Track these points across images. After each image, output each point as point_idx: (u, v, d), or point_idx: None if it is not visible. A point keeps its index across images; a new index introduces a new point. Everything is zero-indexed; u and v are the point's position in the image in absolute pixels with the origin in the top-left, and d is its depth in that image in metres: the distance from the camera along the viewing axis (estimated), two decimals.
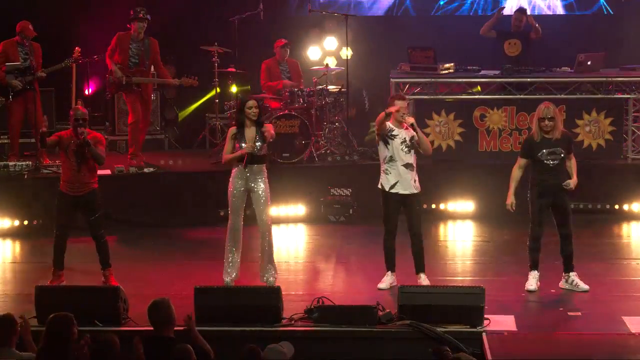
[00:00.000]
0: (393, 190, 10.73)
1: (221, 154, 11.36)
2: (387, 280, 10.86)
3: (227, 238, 10.87)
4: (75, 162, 10.76)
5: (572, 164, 10.67)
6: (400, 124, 10.72)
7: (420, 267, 10.87)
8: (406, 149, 10.71)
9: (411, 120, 10.70)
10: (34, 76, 14.00)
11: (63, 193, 10.86)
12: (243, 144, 10.69)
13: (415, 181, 10.76)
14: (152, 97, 14.72)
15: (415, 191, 10.76)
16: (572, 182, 10.55)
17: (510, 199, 10.65)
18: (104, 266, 11.06)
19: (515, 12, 15.69)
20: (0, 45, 14.14)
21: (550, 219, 10.72)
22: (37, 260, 12.37)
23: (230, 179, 10.82)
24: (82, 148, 10.74)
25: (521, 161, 10.69)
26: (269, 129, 10.77)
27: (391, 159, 10.73)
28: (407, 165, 10.72)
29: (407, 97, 11.09)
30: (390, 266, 10.91)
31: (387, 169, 10.75)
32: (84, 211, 10.93)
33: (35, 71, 13.99)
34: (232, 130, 10.85)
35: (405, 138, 10.72)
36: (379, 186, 10.82)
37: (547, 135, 10.51)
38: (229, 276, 10.81)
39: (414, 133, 10.72)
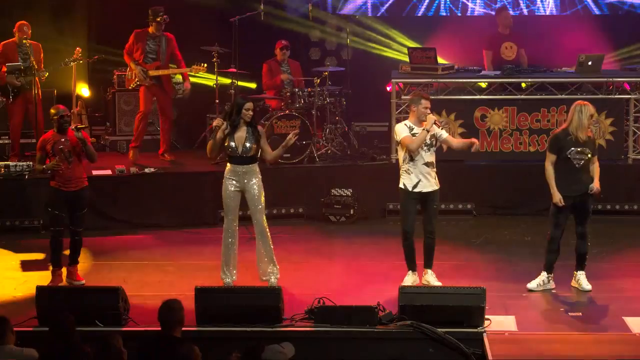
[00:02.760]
0: (416, 190, 10.71)
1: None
2: (409, 280, 10.86)
3: (223, 239, 10.89)
4: (67, 160, 10.87)
5: (596, 168, 10.61)
6: (420, 122, 10.73)
7: (428, 263, 10.92)
8: (426, 147, 10.69)
9: (433, 118, 10.72)
10: (34, 76, 14.01)
11: (57, 189, 10.93)
12: (232, 143, 10.71)
13: (435, 178, 10.77)
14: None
15: (436, 187, 10.79)
16: (596, 187, 10.54)
17: (557, 195, 10.50)
18: (72, 262, 11.11)
19: (500, 12, 15.61)
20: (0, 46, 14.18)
21: (571, 220, 10.70)
22: (37, 260, 12.36)
23: (224, 180, 10.85)
24: (79, 147, 10.89)
25: (552, 157, 10.58)
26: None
27: (412, 159, 10.70)
28: (428, 164, 10.70)
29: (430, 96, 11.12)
30: (412, 266, 10.92)
31: (408, 169, 10.71)
32: (73, 206, 10.97)
33: (36, 71, 13.98)
34: (223, 126, 10.77)
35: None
36: (401, 186, 10.74)
37: (576, 133, 10.44)
38: (228, 277, 10.82)
39: (436, 131, 10.72)
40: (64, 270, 11.13)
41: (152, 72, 14.25)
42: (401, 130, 10.73)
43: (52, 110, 11.07)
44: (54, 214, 10.98)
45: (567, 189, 10.54)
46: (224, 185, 10.82)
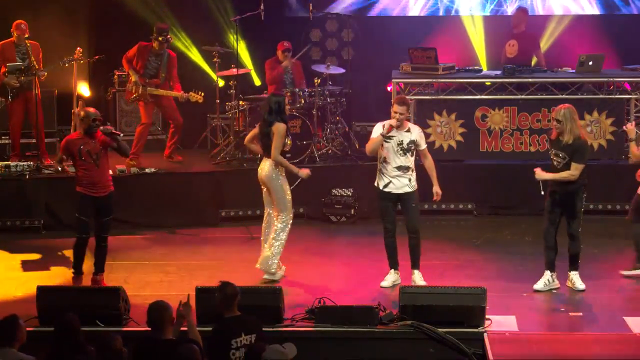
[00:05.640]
0: (386, 190, 10.80)
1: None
2: (390, 279, 10.91)
3: (286, 236, 11.18)
4: (95, 163, 10.73)
5: (562, 176, 10.59)
6: (399, 126, 10.73)
7: (414, 264, 10.96)
8: (401, 152, 10.74)
9: (391, 123, 10.72)
10: (34, 76, 13.99)
11: (85, 195, 10.73)
12: (288, 140, 11.28)
13: (410, 180, 10.80)
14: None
15: (410, 190, 10.81)
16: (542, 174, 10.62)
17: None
18: (99, 270, 11.00)
19: (515, 11, 15.70)
20: None
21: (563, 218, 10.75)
22: (37, 260, 12.36)
23: (283, 177, 11.11)
24: (110, 144, 10.79)
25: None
26: None
27: (385, 160, 10.76)
28: (400, 168, 10.75)
29: (409, 98, 11.13)
30: (393, 264, 10.96)
31: (381, 169, 10.83)
32: (100, 213, 10.83)
33: (36, 70, 13.97)
34: (285, 127, 11.09)
35: (402, 140, 10.73)
36: (375, 184, 10.90)
37: (559, 136, 10.55)
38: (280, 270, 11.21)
39: (416, 137, 10.75)
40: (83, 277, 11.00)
41: (151, 91, 14.27)
42: (375, 130, 10.88)
43: (82, 113, 10.86)
44: (81, 220, 10.81)
45: (552, 186, 10.68)
46: (286, 182, 11.12)
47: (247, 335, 8.33)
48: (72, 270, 10.98)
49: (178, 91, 14.42)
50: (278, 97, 11.35)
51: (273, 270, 11.09)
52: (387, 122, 10.74)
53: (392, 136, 10.70)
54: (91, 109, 10.97)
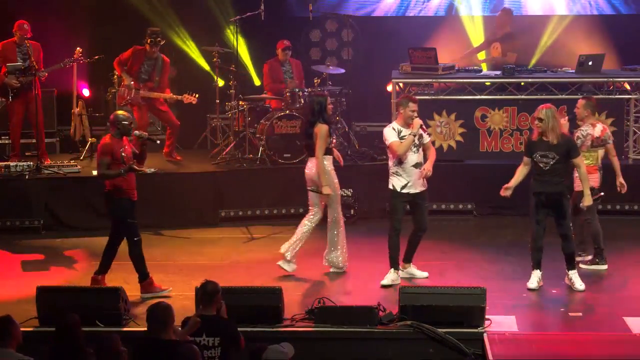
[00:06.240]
0: (404, 191, 10.84)
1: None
2: (390, 277, 10.93)
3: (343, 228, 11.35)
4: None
5: (582, 173, 10.70)
6: (407, 125, 10.78)
7: (411, 257, 11.11)
8: (414, 148, 10.82)
9: (420, 122, 10.79)
10: (34, 76, 13.99)
11: (129, 199, 10.69)
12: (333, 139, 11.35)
13: (423, 178, 10.88)
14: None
15: (423, 188, 10.95)
16: (584, 202, 10.73)
17: (509, 185, 10.81)
18: (104, 271, 10.87)
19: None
20: None
21: (551, 219, 10.77)
22: (37, 260, 12.36)
23: (331, 172, 11.30)
24: (145, 147, 10.78)
25: (525, 159, 10.78)
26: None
27: (400, 162, 10.78)
28: (417, 165, 10.83)
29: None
30: (394, 264, 10.98)
31: (397, 171, 10.86)
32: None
33: (36, 71, 13.96)
34: (327, 128, 11.19)
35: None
36: (390, 187, 10.92)
37: (543, 137, 10.56)
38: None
39: (422, 132, 10.85)
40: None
41: (144, 94, 14.29)
42: (389, 135, 10.85)
43: (112, 117, 10.62)
44: (134, 223, 10.73)
45: (539, 187, 10.76)
46: (334, 176, 11.32)
47: (208, 337, 8.26)
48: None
49: (168, 93, 14.43)
50: (320, 97, 11.48)
51: (342, 264, 11.38)
52: (395, 124, 10.85)
53: (404, 136, 10.77)
54: (121, 112, 10.77)
